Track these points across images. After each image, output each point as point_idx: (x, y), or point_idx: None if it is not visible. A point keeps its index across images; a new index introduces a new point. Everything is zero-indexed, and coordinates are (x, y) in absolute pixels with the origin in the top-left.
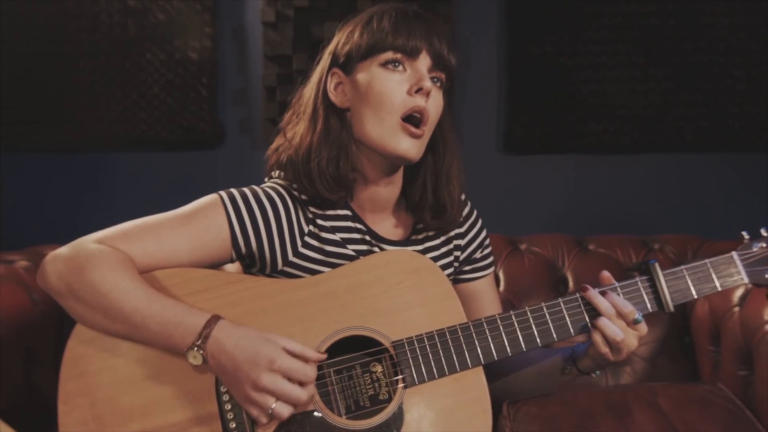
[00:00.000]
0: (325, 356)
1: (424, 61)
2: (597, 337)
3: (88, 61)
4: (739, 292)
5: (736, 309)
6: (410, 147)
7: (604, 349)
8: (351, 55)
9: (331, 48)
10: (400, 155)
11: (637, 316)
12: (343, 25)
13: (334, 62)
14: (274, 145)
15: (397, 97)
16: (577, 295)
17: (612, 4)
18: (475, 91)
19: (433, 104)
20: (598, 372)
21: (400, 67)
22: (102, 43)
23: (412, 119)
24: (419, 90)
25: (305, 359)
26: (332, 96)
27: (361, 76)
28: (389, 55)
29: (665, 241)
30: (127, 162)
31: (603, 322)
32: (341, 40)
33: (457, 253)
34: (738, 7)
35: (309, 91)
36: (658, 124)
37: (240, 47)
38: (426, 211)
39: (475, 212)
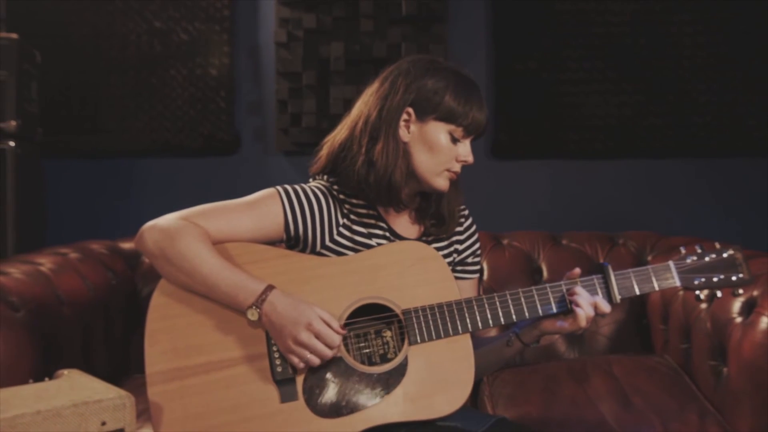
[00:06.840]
0: (345, 332)
1: (473, 136)
2: (580, 312)
3: (118, 76)
4: None
5: (681, 293)
6: (447, 184)
7: (583, 323)
8: (431, 110)
9: (409, 81)
10: (437, 190)
11: (606, 310)
12: (432, 69)
13: (413, 104)
14: (326, 152)
15: (449, 161)
16: (562, 283)
17: (588, 26)
18: None
19: None
20: (536, 343)
21: (461, 139)
22: (131, 61)
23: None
24: (464, 161)
25: (332, 328)
26: (400, 130)
27: (431, 130)
28: (459, 131)
29: (628, 237)
30: (154, 166)
31: (587, 308)
32: (426, 88)
33: (455, 255)
34: (701, 29)
35: (383, 111)
36: (629, 132)
37: (255, 64)
38: (428, 219)
39: (474, 226)
